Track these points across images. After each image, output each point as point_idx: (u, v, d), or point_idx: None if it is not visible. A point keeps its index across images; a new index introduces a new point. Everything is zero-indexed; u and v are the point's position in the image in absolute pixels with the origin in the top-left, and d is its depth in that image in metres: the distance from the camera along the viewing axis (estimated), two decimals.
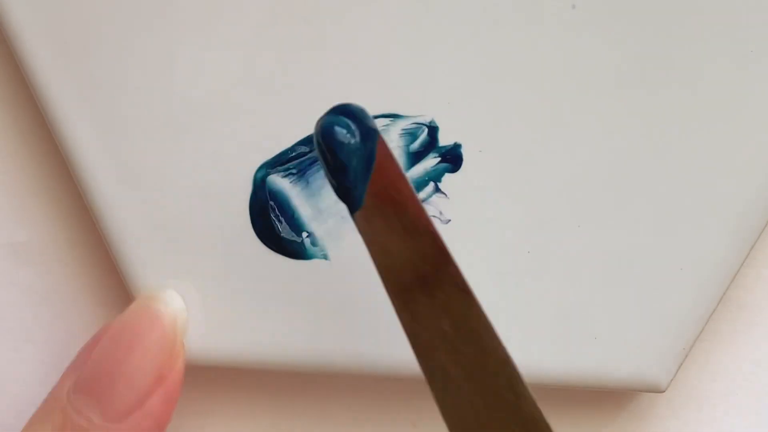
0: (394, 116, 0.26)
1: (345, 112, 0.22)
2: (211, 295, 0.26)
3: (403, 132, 0.26)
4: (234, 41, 0.25)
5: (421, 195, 0.26)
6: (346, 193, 0.22)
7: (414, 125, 0.26)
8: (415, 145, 0.26)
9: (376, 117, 0.26)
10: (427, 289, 0.21)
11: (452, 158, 0.26)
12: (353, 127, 0.22)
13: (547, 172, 0.26)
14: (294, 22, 0.25)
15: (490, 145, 0.26)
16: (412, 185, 0.22)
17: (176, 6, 0.25)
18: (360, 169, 0.22)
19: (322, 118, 0.22)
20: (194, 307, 0.26)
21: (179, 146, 0.26)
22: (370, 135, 0.22)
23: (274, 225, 0.26)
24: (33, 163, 0.28)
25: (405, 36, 0.25)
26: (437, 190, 0.26)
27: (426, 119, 0.26)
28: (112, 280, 0.28)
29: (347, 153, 0.22)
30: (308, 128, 0.25)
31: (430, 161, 0.26)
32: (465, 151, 0.26)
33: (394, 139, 0.26)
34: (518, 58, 0.26)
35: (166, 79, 0.25)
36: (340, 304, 0.26)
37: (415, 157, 0.26)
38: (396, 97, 0.26)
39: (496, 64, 0.26)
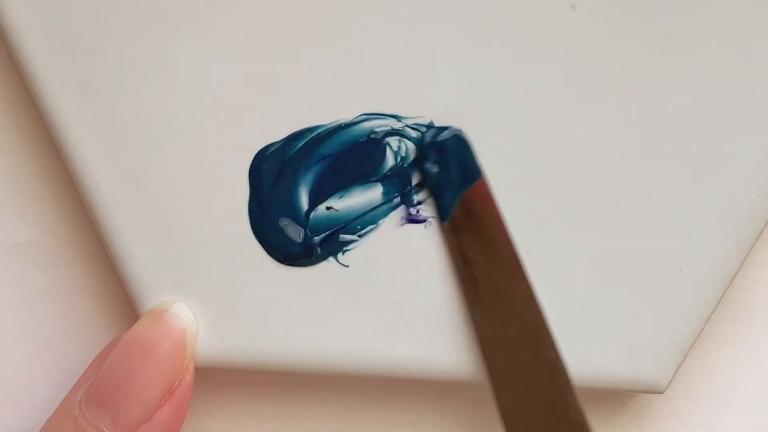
0: (394, 116, 0.26)
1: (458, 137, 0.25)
2: (210, 294, 0.26)
3: None
4: (234, 41, 0.25)
5: (422, 195, 0.26)
6: (441, 199, 0.25)
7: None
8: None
9: (377, 117, 0.26)
10: (500, 299, 0.24)
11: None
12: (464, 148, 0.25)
13: (546, 173, 0.26)
14: (294, 22, 0.25)
15: (490, 145, 0.26)
16: (501, 210, 0.25)
17: (176, 6, 0.25)
18: (456, 183, 0.25)
19: (441, 132, 0.25)
20: (194, 307, 0.26)
21: (179, 146, 0.26)
22: (471, 162, 0.25)
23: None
24: (33, 163, 0.28)
25: (405, 36, 0.25)
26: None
27: (426, 120, 0.26)
28: (112, 280, 0.28)
29: (456, 164, 0.25)
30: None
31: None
32: None
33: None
34: (518, 59, 0.26)
35: (166, 80, 0.25)
36: (340, 305, 0.26)
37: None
38: (396, 97, 0.26)
39: (495, 65, 0.26)
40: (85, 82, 0.25)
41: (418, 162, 0.25)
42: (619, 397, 0.28)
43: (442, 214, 0.25)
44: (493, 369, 0.24)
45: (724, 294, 0.26)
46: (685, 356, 0.26)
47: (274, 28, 0.25)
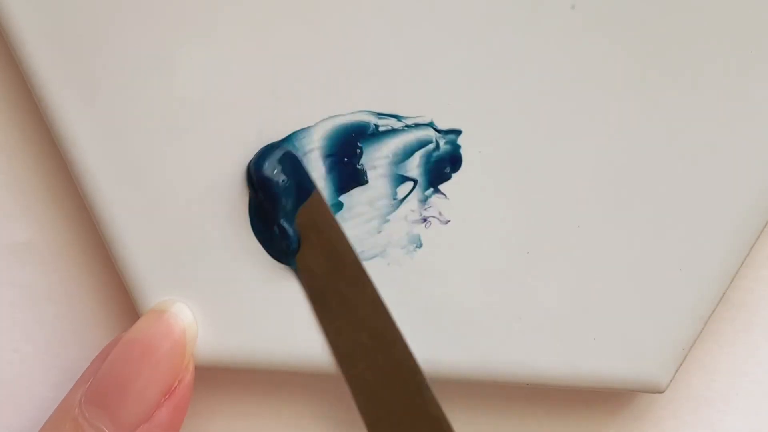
0: (395, 116, 0.26)
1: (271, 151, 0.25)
2: (210, 294, 0.26)
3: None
4: (234, 41, 0.25)
5: (422, 195, 0.26)
6: (282, 231, 0.25)
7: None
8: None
9: (377, 117, 0.26)
10: (348, 308, 0.25)
11: (452, 159, 0.26)
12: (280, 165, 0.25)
13: (546, 173, 0.26)
14: (294, 23, 0.25)
15: (490, 146, 0.26)
16: (336, 218, 0.25)
17: (177, 6, 0.25)
18: (292, 203, 0.25)
19: (262, 160, 0.25)
20: (194, 306, 0.26)
21: (179, 146, 0.26)
22: (298, 172, 0.25)
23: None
24: (33, 163, 0.28)
25: (405, 37, 0.25)
26: (437, 190, 0.26)
27: (425, 119, 0.26)
28: (113, 280, 0.28)
29: (277, 189, 0.25)
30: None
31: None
32: (464, 152, 0.26)
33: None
34: (518, 59, 0.26)
35: (166, 80, 0.25)
36: None
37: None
38: (396, 97, 0.26)
39: (495, 64, 0.26)
40: (85, 82, 0.25)
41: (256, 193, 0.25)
42: (619, 397, 0.28)
43: (290, 243, 0.25)
44: (350, 376, 0.25)
45: (724, 294, 0.26)
46: (685, 356, 0.26)
47: (274, 28, 0.25)
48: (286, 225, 0.25)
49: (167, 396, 0.25)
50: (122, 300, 0.28)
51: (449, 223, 0.26)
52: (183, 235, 0.26)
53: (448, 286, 0.26)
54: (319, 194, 0.25)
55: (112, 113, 0.26)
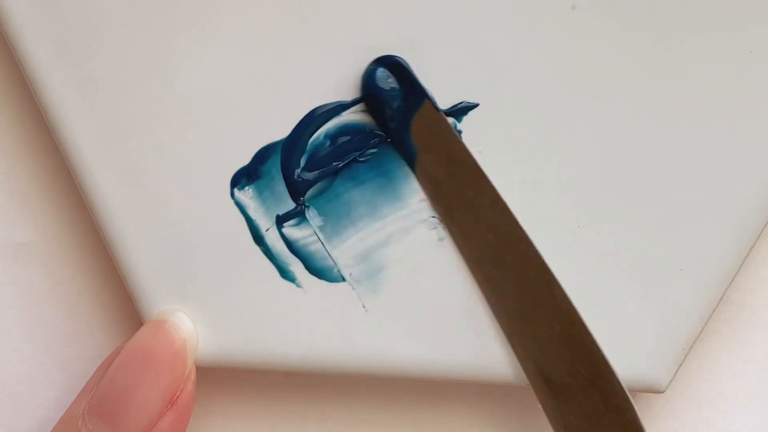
0: None
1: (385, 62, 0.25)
2: (211, 293, 0.26)
3: None
4: (234, 40, 0.25)
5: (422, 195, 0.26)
6: (397, 137, 0.25)
7: None
8: None
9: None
10: (473, 210, 0.25)
11: None
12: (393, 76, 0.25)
13: (546, 173, 0.26)
14: (295, 21, 0.25)
15: (490, 146, 0.26)
16: (451, 126, 0.25)
17: (176, 5, 0.25)
18: (404, 110, 0.25)
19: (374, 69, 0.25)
20: (194, 305, 0.26)
21: (179, 146, 0.26)
22: (410, 82, 0.25)
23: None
24: (33, 163, 0.28)
25: (405, 37, 0.25)
26: None
27: None
28: (113, 280, 0.28)
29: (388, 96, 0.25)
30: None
31: None
32: None
33: None
34: (518, 59, 0.26)
35: (166, 79, 0.25)
36: (340, 305, 0.26)
37: None
38: None
39: (495, 64, 0.26)
40: (85, 82, 0.25)
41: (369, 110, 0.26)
42: None
43: (409, 156, 0.26)
44: (480, 278, 0.25)
45: (724, 294, 0.26)
46: (685, 356, 0.26)
47: (275, 27, 0.25)
48: (404, 133, 0.25)
49: (169, 406, 0.25)
50: (122, 300, 0.28)
51: None
52: (183, 234, 0.26)
53: (448, 286, 0.26)
54: (431, 102, 0.25)
55: (112, 113, 0.26)
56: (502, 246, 0.25)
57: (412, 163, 0.25)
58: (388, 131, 0.25)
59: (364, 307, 0.26)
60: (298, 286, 0.26)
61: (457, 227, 0.25)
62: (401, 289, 0.26)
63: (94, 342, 0.28)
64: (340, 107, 0.26)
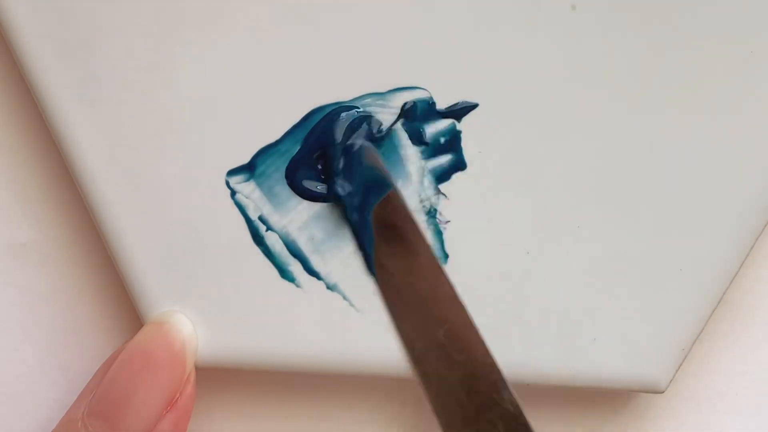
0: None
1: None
2: (211, 294, 0.26)
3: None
4: (235, 40, 0.25)
5: (421, 195, 0.26)
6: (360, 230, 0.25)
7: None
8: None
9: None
10: (425, 305, 0.24)
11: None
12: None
13: (546, 173, 0.26)
14: (295, 21, 0.25)
15: (490, 146, 0.26)
16: (415, 219, 0.25)
17: (177, 6, 0.25)
18: (366, 199, 0.25)
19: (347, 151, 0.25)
20: (194, 306, 0.26)
21: (180, 146, 0.26)
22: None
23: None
24: (33, 163, 0.28)
25: (405, 37, 0.25)
26: (437, 190, 0.26)
27: None
28: (113, 281, 0.28)
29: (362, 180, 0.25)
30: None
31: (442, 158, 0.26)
32: (465, 152, 0.26)
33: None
34: (518, 60, 0.26)
35: (167, 79, 0.25)
36: (339, 305, 0.26)
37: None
38: (396, 97, 0.26)
39: (495, 65, 0.26)
40: (85, 82, 0.25)
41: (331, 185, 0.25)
42: (619, 397, 0.28)
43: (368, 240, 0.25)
44: (425, 374, 0.24)
45: (724, 294, 0.26)
46: (685, 356, 0.26)
47: (275, 28, 0.25)
48: (365, 219, 0.25)
49: (169, 407, 0.25)
50: (122, 300, 0.28)
51: (449, 223, 0.26)
52: (183, 234, 0.26)
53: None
54: (396, 191, 0.25)
55: (113, 113, 0.26)
56: (452, 344, 0.24)
57: (369, 250, 0.25)
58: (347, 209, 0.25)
59: (355, 308, 0.26)
60: (298, 286, 0.26)
61: (406, 321, 0.24)
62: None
63: (94, 342, 0.28)
64: (340, 107, 0.26)
